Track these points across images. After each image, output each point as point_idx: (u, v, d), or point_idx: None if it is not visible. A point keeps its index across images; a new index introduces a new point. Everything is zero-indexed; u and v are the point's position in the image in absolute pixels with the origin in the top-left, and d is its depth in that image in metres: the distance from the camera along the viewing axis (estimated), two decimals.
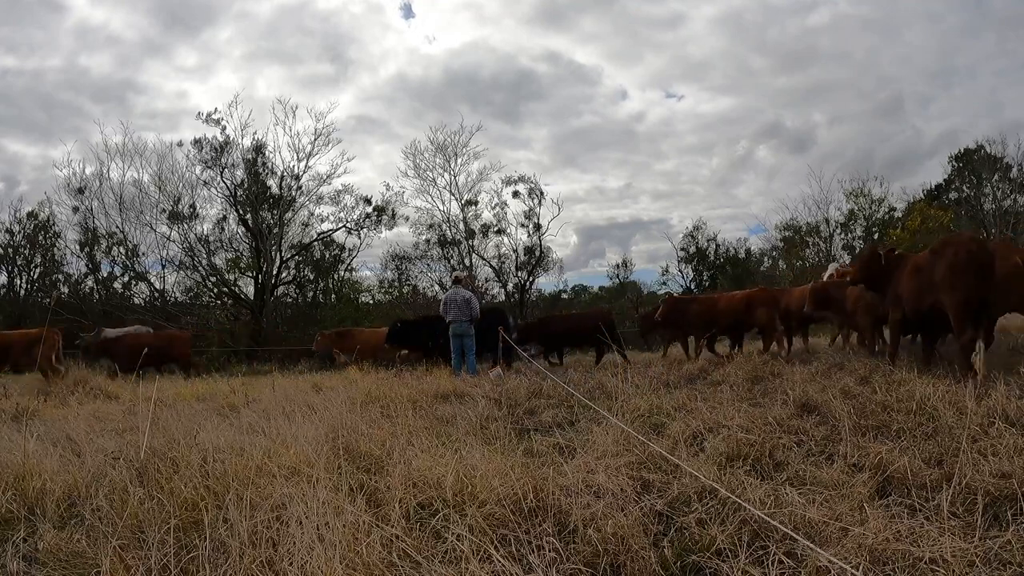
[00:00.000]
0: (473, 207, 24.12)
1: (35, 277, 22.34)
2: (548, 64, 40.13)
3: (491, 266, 24.36)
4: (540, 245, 24.30)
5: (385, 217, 23.48)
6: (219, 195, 21.98)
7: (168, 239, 21.41)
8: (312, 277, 23.49)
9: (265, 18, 35.97)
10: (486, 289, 23.60)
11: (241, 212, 21.90)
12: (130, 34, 33.97)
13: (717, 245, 25.38)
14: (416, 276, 24.55)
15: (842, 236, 23.38)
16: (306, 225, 23.06)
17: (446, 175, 23.94)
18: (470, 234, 23.98)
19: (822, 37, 38.35)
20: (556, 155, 38.51)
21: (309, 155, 22.31)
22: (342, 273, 24.05)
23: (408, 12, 47.22)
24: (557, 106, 39.59)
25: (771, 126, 39.00)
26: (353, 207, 23.35)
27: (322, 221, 23.33)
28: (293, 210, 22.48)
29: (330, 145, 22.53)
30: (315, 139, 22.29)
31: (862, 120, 37.24)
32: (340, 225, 23.37)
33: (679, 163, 40.28)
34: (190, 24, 37.68)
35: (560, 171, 39.07)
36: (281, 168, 22.31)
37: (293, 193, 22.32)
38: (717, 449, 3.16)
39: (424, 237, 23.97)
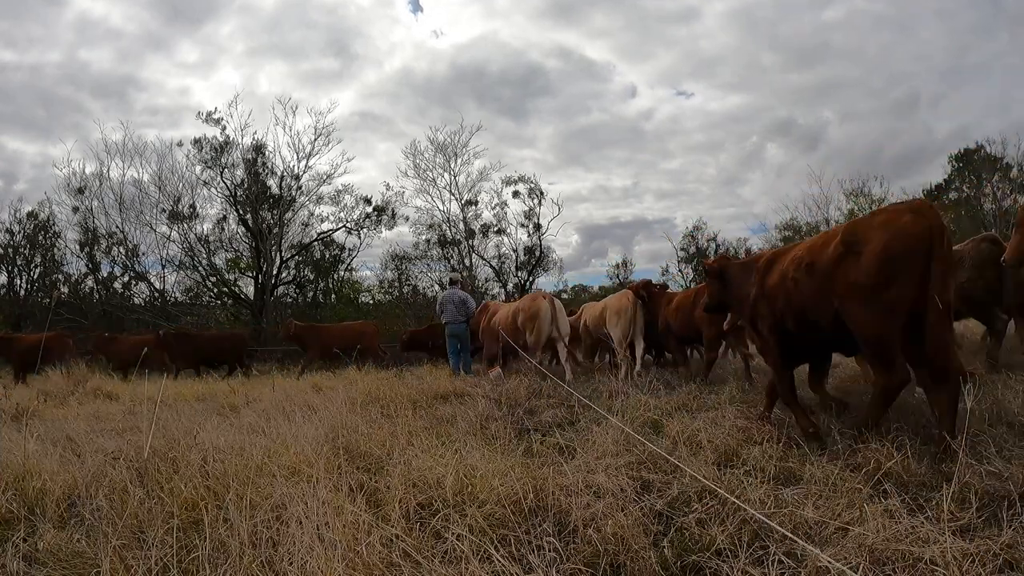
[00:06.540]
0: (473, 207, 24.15)
1: (35, 277, 22.33)
2: (558, 59, 39.60)
3: (491, 266, 24.38)
4: (540, 245, 24.33)
5: (385, 217, 23.53)
6: (219, 195, 22.06)
7: (168, 239, 21.49)
8: (312, 277, 23.50)
9: (268, 12, 35.73)
10: (486, 289, 23.60)
11: (241, 212, 21.91)
12: (131, 28, 33.65)
13: (717, 245, 25.36)
14: (416, 276, 24.56)
15: None
16: (306, 225, 23.11)
17: (446, 175, 23.96)
18: (470, 234, 23.98)
19: (835, 34, 37.85)
20: (561, 153, 38.28)
21: (309, 155, 22.37)
22: (342, 273, 24.10)
23: (416, 6, 46.70)
24: (565, 103, 39.21)
25: (781, 124, 38.31)
26: (353, 207, 23.42)
27: (322, 221, 23.39)
28: (293, 210, 22.50)
29: (330, 145, 22.60)
30: (315, 138, 22.34)
31: (873, 118, 36.70)
32: (340, 225, 23.42)
33: (685, 162, 39.84)
34: (192, 18, 37.54)
35: (565, 170, 38.78)
36: (281, 168, 22.36)
37: (293, 193, 22.35)
38: (717, 449, 3.16)
39: (424, 237, 23.98)
